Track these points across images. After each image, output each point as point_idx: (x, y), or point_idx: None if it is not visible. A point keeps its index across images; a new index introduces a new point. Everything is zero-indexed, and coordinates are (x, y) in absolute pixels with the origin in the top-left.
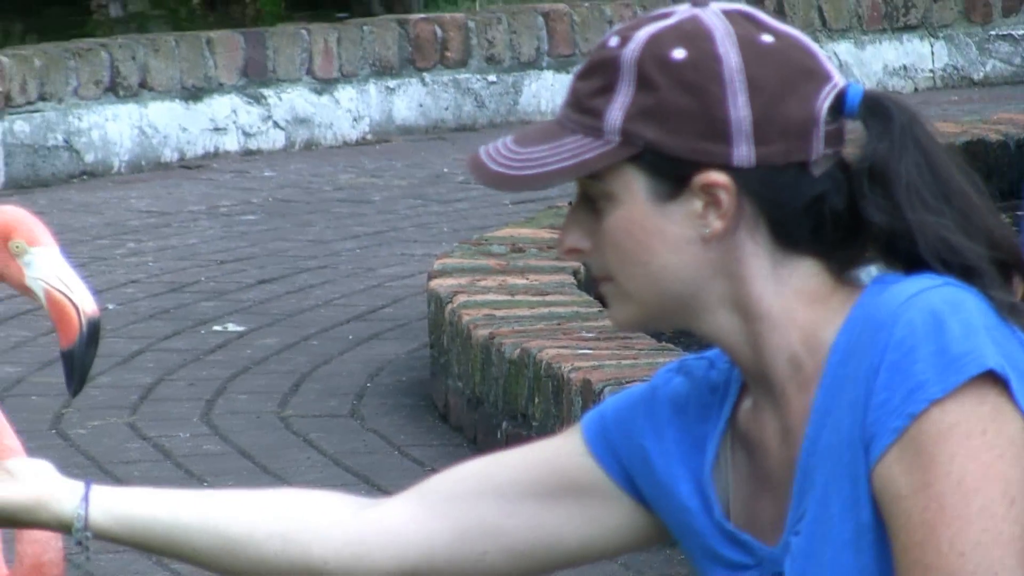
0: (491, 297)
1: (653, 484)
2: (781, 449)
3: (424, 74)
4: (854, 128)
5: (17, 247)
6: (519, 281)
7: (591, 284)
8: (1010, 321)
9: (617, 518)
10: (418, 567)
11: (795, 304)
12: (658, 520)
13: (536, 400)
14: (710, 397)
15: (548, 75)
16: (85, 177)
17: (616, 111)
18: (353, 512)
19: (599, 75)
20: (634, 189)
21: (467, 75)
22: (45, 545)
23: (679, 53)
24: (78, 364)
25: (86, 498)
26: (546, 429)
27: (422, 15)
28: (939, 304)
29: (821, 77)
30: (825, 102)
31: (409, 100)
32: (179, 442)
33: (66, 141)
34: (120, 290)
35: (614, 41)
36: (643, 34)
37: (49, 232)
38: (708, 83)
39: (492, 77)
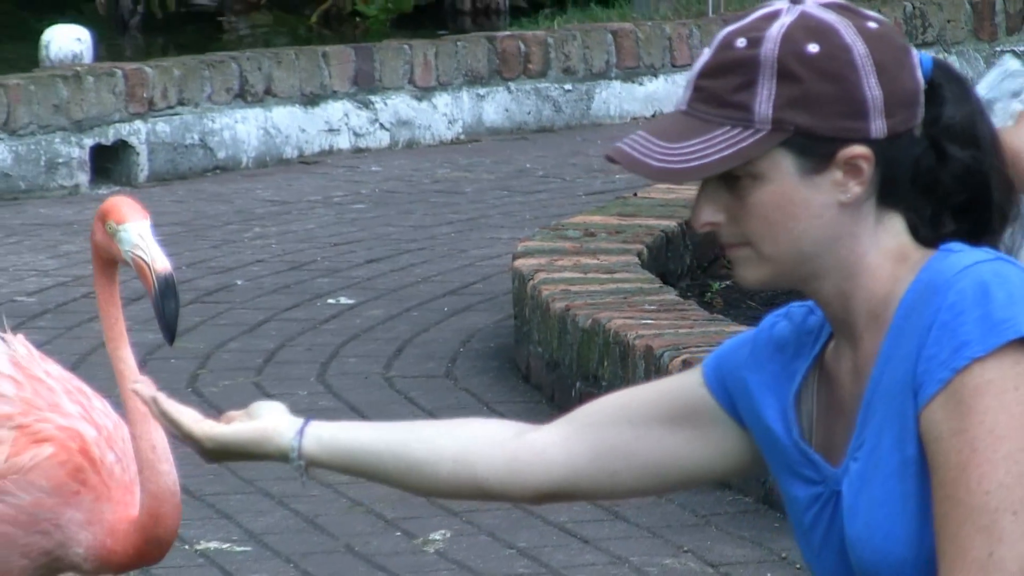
0: (566, 275)
1: (750, 410)
2: (853, 385)
3: (509, 83)
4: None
5: (110, 227)
6: (590, 261)
7: (653, 263)
8: None
9: (725, 443)
10: (562, 483)
11: (884, 261)
12: (755, 447)
13: (605, 363)
14: (805, 338)
15: (616, 84)
16: (217, 171)
17: (764, 103)
18: (510, 437)
19: (736, 74)
20: (783, 168)
21: (546, 84)
22: (163, 498)
23: (813, 47)
24: (159, 314)
25: (301, 431)
26: (613, 388)
27: (508, 32)
28: (988, 276)
29: (911, 50)
30: (919, 71)
31: (496, 105)
32: (298, 399)
33: (201, 140)
34: (247, 268)
35: (741, 42)
36: (774, 33)
37: (140, 210)
38: (844, 70)
39: (568, 86)
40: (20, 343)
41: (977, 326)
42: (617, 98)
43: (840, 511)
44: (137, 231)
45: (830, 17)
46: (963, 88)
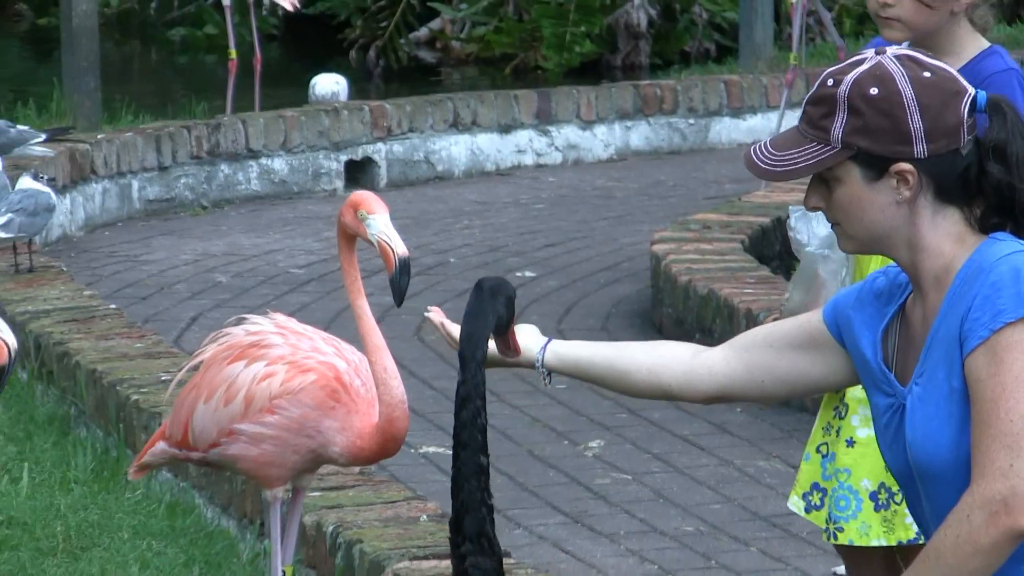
0: (689, 256)
1: (852, 340)
2: (921, 329)
3: (649, 118)
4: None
5: (361, 215)
6: (707, 247)
7: (753, 248)
8: None
9: (835, 363)
10: (723, 390)
11: (943, 242)
12: (854, 368)
13: (717, 321)
14: (895, 290)
15: (726, 119)
16: (436, 180)
17: (838, 129)
18: (689, 356)
19: (823, 104)
20: (853, 175)
21: (676, 119)
22: (395, 406)
23: (874, 91)
24: (396, 286)
25: (544, 348)
26: (724, 339)
27: (648, 81)
28: (1021, 263)
29: (962, 92)
30: (965, 108)
31: (639, 134)
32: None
33: (425, 157)
34: (457, 250)
35: (830, 82)
36: (849, 78)
37: (383, 204)
38: (895, 109)
39: (691, 120)
40: (280, 316)
41: (1011, 300)
42: (727, 130)
43: (904, 419)
44: (382, 221)
45: (893, 68)
46: (1005, 117)
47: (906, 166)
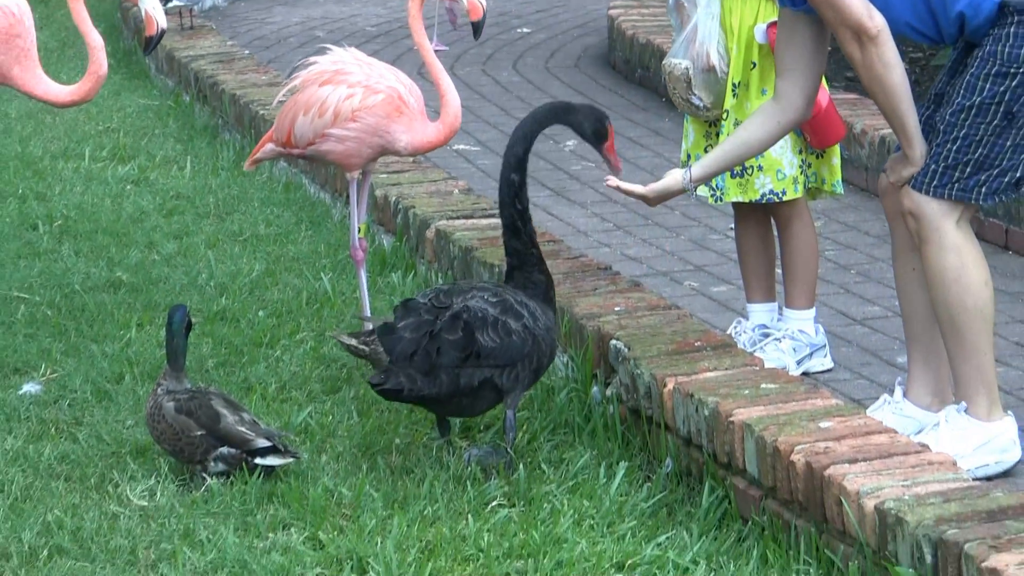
0: (634, 18)
1: None
2: None
3: None
4: None
5: None
6: (646, 11)
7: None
8: None
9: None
10: (808, 105)
11: None
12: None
13: (652, 61)
14: None
15: None
16: None
17: None
18: (775, 122)
19: None
20: None
21: None
22: (456, 112)
23: None
24: (478, 27)
25: (688, 171)
26: (655, 72)
27: None
28: None
29: None
30: None
31: None
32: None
33: None
34: None
35: None
36: None
37: None
38: None
39: None
40: (354, 49)
41: None
42: None
43: None
44: None
45: None
46: None
47: None
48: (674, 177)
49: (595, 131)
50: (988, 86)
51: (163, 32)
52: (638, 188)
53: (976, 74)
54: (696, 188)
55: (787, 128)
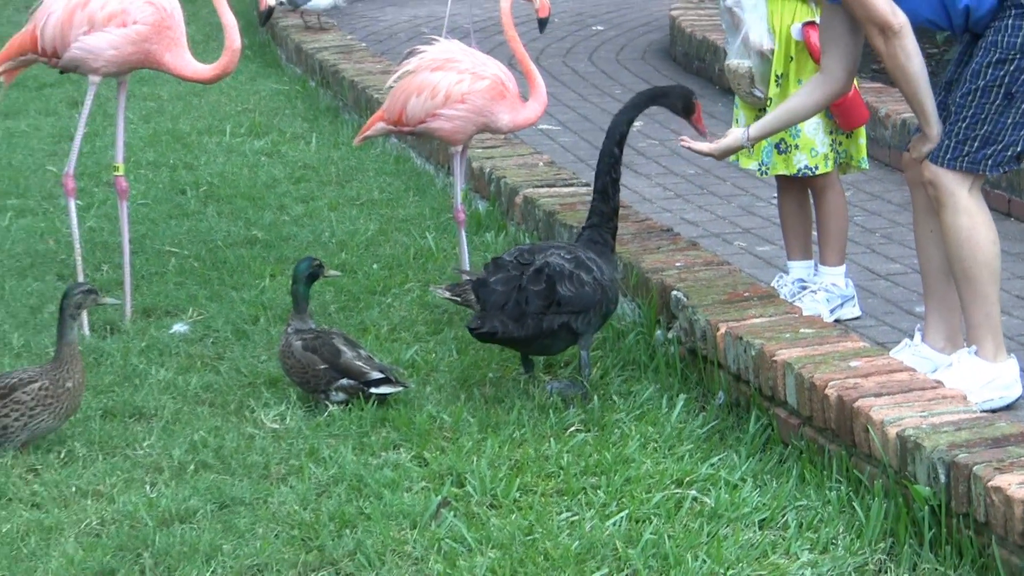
0: (691, 17)
1: None
2: None
3: None
4: None
5: None
6: (702, 12)
7: None
8: None
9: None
10: (850, 78)
11: None
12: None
13: (707, 55)
14: None
15: None
16: None
17: None
18: (820, 92)
19: None
20: None
21: None
22: (545, 96)
23: None
24: (543, 24)
25: (746, 131)
26: (712, 64)
27: None
28: None
29: None
30: None
31: None
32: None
33: None
34: (554, 14)
35: None
36: None
37: None
38: None
39: None
40: (456, 41)
41: None
42: None
43: None
44: None
45: None
46: None
47: None
48: (735, 135)
49: (685, 106)
50: (990, 71)
51: (271, 8)
52: (706, 146)
53: (980, 61)
54: (752, 145)
55: (831, 97)
